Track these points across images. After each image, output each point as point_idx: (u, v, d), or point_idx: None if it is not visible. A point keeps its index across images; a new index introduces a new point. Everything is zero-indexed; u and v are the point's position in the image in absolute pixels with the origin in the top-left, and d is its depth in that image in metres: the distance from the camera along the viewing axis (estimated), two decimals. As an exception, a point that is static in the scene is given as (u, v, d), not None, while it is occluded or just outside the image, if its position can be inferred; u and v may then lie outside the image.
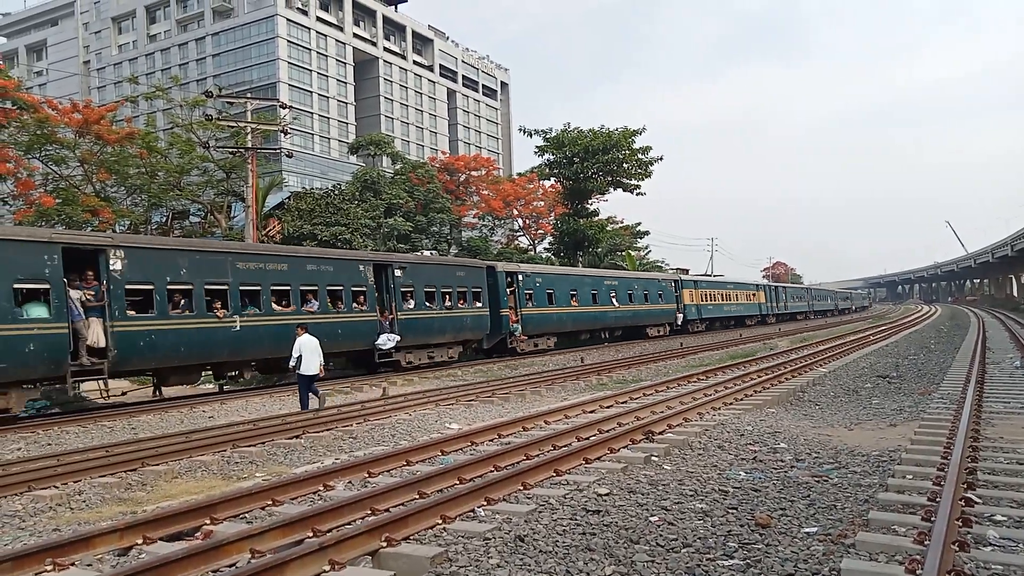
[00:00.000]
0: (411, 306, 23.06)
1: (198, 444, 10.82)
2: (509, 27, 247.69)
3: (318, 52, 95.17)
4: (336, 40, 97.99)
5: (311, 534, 6.09)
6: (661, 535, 6.08)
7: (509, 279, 28.14)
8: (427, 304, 23.72)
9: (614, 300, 34.76)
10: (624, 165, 44.17)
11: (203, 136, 33.49)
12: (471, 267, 27.01)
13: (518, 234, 59.06)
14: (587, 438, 10.03)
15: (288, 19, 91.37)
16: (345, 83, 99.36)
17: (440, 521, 6.42)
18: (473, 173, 55.00)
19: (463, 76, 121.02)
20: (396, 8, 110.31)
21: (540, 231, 57.47)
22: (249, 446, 10.94)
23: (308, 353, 14.74)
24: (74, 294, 14.74)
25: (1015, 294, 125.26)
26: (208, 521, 6.69)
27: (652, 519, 6.53)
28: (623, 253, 60.48)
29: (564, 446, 9.52)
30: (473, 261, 29.92)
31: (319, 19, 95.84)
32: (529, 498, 7.26)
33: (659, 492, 7.46)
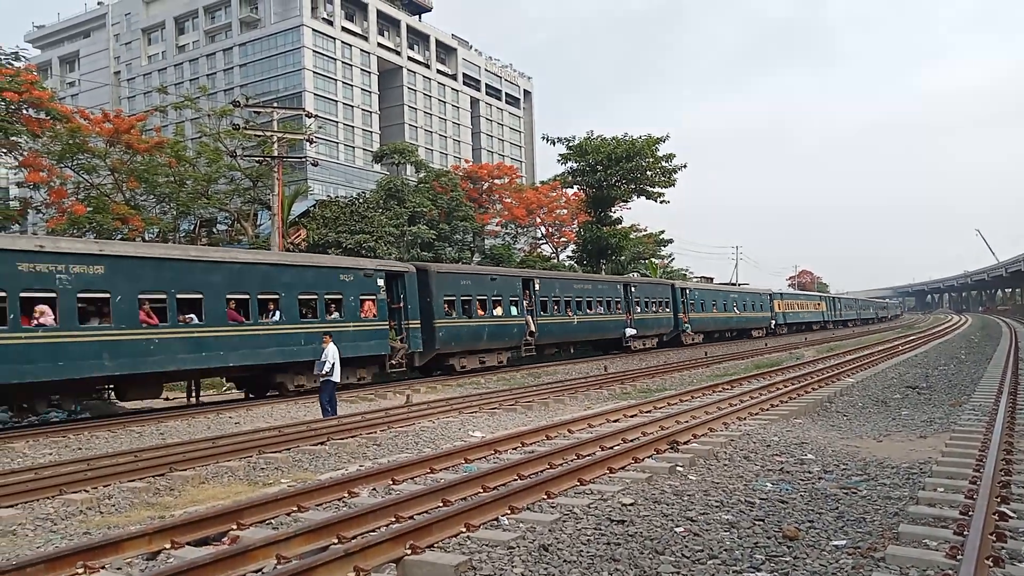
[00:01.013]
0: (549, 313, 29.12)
1: (224, 449, 10.93)
2: (533, 36, 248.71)
3: (343, 62, 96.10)
4: (361, 50, 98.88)
5: (336, 540, 6.12)
6: (687, 546, 6.03)
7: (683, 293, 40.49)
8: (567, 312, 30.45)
9: (736, 309, 47.32)
10: (647, 173, 44.04)
11: (230, 145, 33.92)
12: (611, 282, 35.25)
13: (541, 242, 59.03)
14: (611, 447, 9.99)
15: (314, 29, 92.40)
16: (369, 92, 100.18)
17: (464, 529, 6.42)
18: (496, 181, 55.09)
19: (486, 85, 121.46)
20: (420, 18, 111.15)
21: (563, 239, 57.42)
22: (275, 452, 11.03)
23: (338, 361, 15.15)
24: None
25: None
26: (235, 526, 6.75)
27: (678, 530, 6.47)
28: (646, 261, 60.20)
29: (588, 455, 9.49)
30: (622, 277, 38.96)
31: (344, 29, 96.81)
32: (553, 507, 7.24)
33: (684, 502, 7.40)
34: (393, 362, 22.13)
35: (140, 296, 15.76)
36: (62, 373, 14.26)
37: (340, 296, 20.32)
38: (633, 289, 35.65)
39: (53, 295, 14.31)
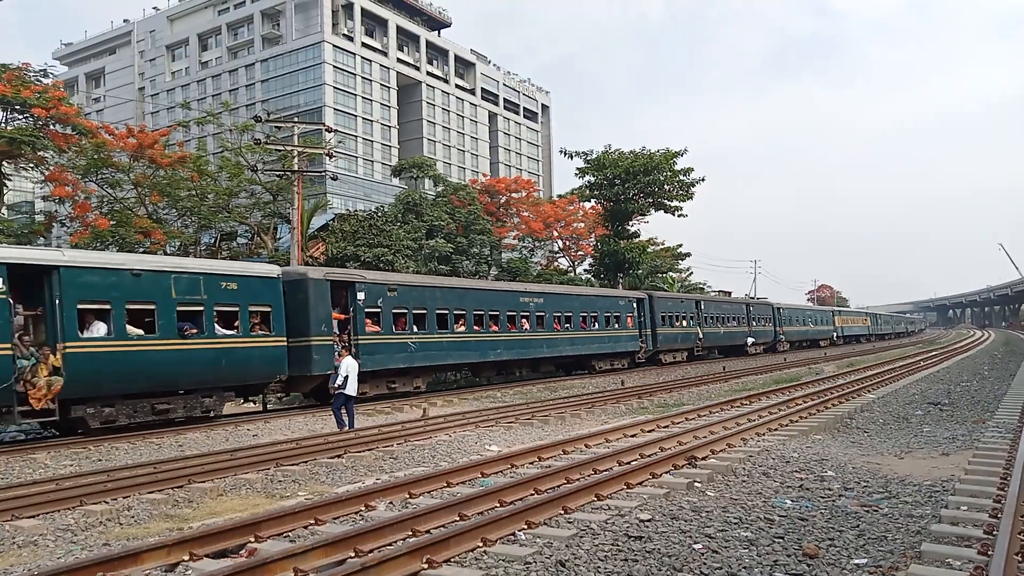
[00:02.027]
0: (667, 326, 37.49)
1: (242, 462, 10.99)
2: (552, 50, 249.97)
3: (363, 77, 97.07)
4: (380, 65, 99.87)
5: (353, 554, 6.13)
6: (705, 563, 5.97)
7: (778, 311, 53.55)
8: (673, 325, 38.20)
9: (811, 323, 60.34)
10: (665, 187, 43.96)
11: (251, 159, 34.33)
12: (739, 303, 47.06)
13: (558, 256, 59.05)
14: (628, 462, 9.93)
15: (334, 45, 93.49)
16: (389, 107, 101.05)
17: (481, 544, 6.41)
18: (513, 195, 55.27)
19: (504, 99, 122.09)
20: (439, 33, 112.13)
21: (580, 253, 57.40)
22: (292, 465, 11.07)
23: (354, 374, 15.17)
24: None
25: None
26: (253, 539, 6.78)
27: (696, 546, 6.42)
28: (663, 275, 59.98)
29: (605, 470, 9.44)
30: (744, 299, 49.99)
31: (364, 45, 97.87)
32: (570, 522, 7.20)
33: (703, 519, 7.33)
34: (639, 356, 34.89)
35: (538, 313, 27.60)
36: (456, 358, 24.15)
37: (619, 313, 33.32)
38: (750, 308, 49.01)
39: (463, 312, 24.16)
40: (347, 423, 15.10)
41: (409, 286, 22.65)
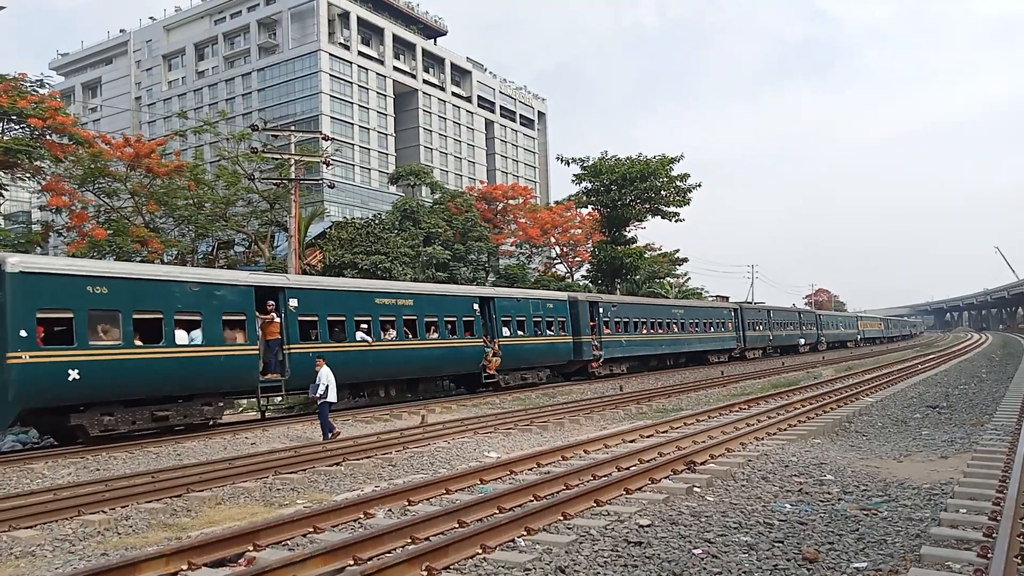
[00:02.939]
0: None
1: (241, 470, 10.96)
2: (549, 58, 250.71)
3: (359, 85, 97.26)
4: (377, 73, 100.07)
5: (352, 562, 6.11)
6: (705, 568, 5.97)
7: (819, 318, 66.23)
8: (755, 329, 47.77)
9: (841, 327, 70.12)
10: (662, 193, 44.04)
11: (248, 168, 34.36)
12: (794, 311, 57.81)
13: (555, 262, 59.11)
14: (627, 468, 9.92)
15: (331, 54, 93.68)
16: (385, 115, 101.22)
17: (480, 551, 6.40)
18: (511, 202, 55.33)
19: (501, 107, 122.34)
20: (435, 41, 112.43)
21: (577, 259, 57.46)
22: (290, 473, 11.05)
23: (332, 383, 15.36)
24: None
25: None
26: (251, 547, 6.76)
27: (695, 552, 6.41)
28: (661, 281, 60.03)
29: (604, 476, 9.43)
30: (804, 309, 62.64)
31: (360, 53, 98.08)
32: (570, 528, 7.19)
33: (702, 524, 7.33)
34: (735, 352, 44.26)
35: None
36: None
37: (725, 320, 42.86)
38: (801, 315, 58.69)
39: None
40: (329, 429, 15.28)
41: (629, 304, 35.08)
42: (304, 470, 11.27)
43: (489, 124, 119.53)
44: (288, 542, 7.08)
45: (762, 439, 12.75)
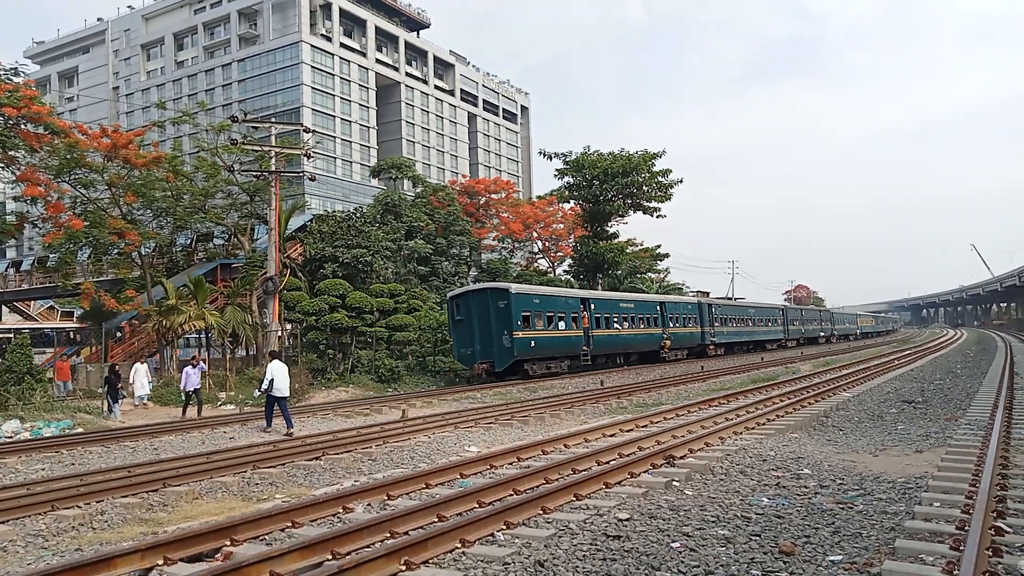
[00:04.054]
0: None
1: (219, 465, 10.88)
2: (534, 52, 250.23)
3: (341, 77, 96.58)
4: (359, 65, 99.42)
5: (330, 557, 6.08)
6: (683, 562, 6.00)
7: (831, 314, 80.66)
8: (792, 324, 60.16)
9: (847, 323, 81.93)
10: (644, 188, 44.16)
11: (228, 160, 33.96)
12: (818, 310, 76.49)
13: (537, 256, 59.13)
14: (607, 462, 9.96)
15: (312, 45, 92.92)
16: (367, 107, 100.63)
17: (459, 545, 6.39)
18: (493, 196, 55.24)
19: (484, 100, 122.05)
20: (418, 34, 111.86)
21: (559, 254, 57.52)
22: (269, 467, 10.98)
23: (280, 376, 15.77)
24: None
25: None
26: (228, 542, 6.71)
27: (674, 545, 6.45)
28: (642, 276, 60.28)
29: (584, 470, 9.46)
30: (825, 309, 79.22)
31: (342, 45, 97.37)
32: (549, 522, 7.21)
33: (680, 518, 7.37)
34: (781, 343, 55.75)
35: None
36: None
37: (774, 317, 55.18)
38: (820, 313, 73.57)
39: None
40: (280, 423, 15.84)
41: (727, 306, 49.50)
42: (283, 464, 11.21)
43: (472, 118, 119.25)
44: (266, 537, 7.04)
45: (740, 433, 12.85)
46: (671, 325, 38.83)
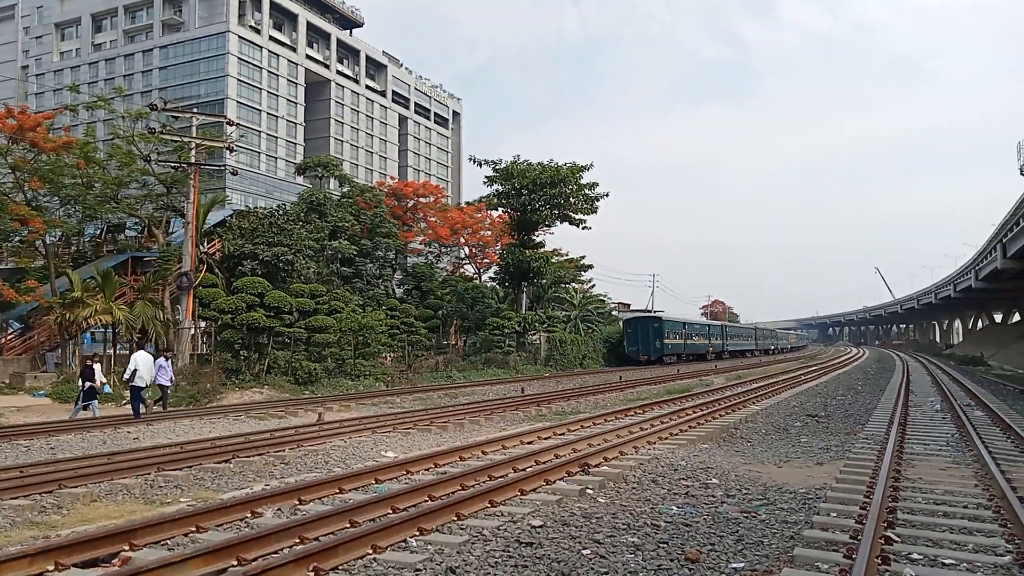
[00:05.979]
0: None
1: (121, 466, 10.41)
2: (469, 58, 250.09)
3: (269, 71, 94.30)
4: (288, 60, 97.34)
5: (235, 563, 5.91)
6: (592, 568, 6.10)
7: (787, 332, 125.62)
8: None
9: (792, 337, 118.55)
10: (571, 199, 44.76)
11: (145, 149, 32.66)
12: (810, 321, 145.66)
13: (464, 262, 59.06)
14: (523, 469, 10.02)
15: (240, 36, 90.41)
16: (295, 103, 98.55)
17: (371, 551, 6.32)
18: (421, 199, 54.90)
19: (415, 103, 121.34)
20: (351, 32, 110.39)
21: (486, 260, 57.61)
22: (175, 470, 10.57)
23: (144, 367, 16.66)
24: None
25: (938, 339, 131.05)
26: (127, 547, 6.43)
27: (584, 552, 6.54)
28: (567, 286, 60.98)
29: (500, 477, 9.49)
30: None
31: (272, 39, 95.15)
32: (463, 529, 7.21)
33: (592, 525, 7.49)
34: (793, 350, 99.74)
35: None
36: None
37: (746, 335, 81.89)
38: (767, 332, 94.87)
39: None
40: (136, 413, 16.42)
41: (735, 327, 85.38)
42: (190, 467, 10.82)
43: (403, 120, 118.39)
44: (168, 542, 6.77)
45: (654, 443, 13.15)
46: (716, 338, 64.42)
